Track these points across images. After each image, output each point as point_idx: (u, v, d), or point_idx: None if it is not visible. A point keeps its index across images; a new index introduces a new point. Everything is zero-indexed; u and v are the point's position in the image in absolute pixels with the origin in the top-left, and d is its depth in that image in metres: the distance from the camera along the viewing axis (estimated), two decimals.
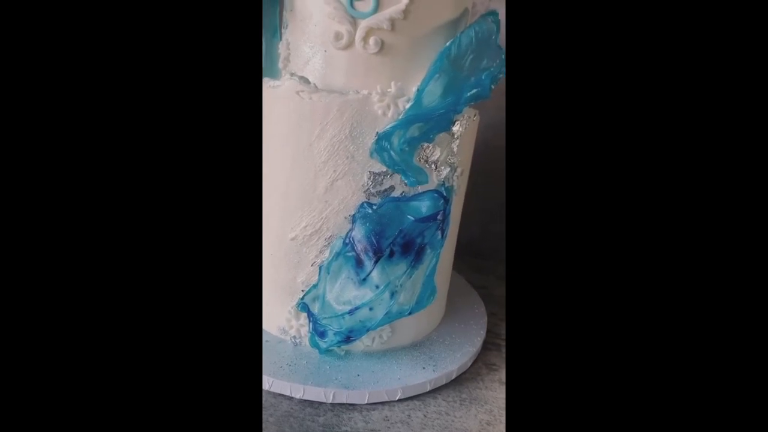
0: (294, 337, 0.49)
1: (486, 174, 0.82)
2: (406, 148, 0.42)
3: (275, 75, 0.50)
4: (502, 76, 0.48)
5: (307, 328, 0.47)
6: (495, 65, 0.46)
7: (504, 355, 0.54)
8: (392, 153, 0.41)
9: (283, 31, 0.49)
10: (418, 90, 0.42)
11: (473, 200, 0.66)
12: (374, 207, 0.43)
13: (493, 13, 0.48)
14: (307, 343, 0.47)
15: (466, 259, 0.74)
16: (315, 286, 0.46)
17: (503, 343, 0.57)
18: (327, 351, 0.46)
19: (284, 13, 0.49)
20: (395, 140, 0.41)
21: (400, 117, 0.41)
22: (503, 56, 0.47)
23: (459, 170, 0.48)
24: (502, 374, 0.51)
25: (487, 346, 0.56)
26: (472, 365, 0.52)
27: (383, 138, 0.41)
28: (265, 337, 0.50)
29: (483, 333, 0.56)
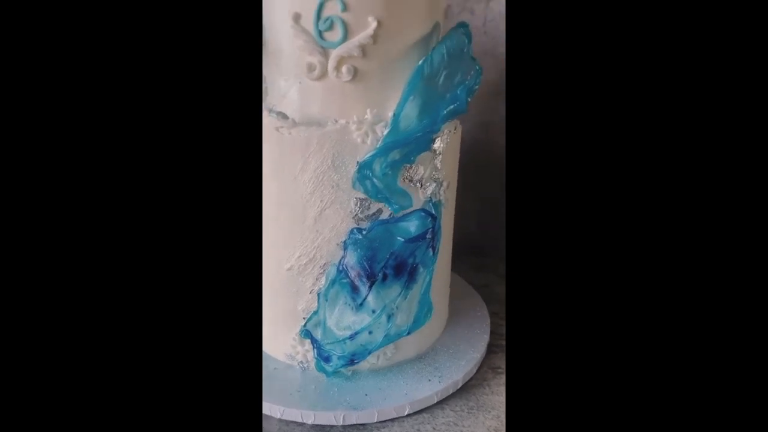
0: (301, 362, 0.50)
1: (478, 169, 0.82)
2: (389, 172, 0.43)
3: None
4: (478, 87, 0.48)
5: (312, 353, 0.49)
6: (470, 78, 0.47)
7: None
8: (375, 180, 0.42)
9: None
10: (394, 115, 0.42)
11: (468, 198, 0.67)
12: (364, 232, 0.44)
13: (464, 25, 0.48)
14: (314, 367, 0.49)
15: (465, 258, 0.74)
16: (315, 312, 0.47)
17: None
18: (334, 373, 0.48)
19: None
20: (377, 167, 0.42)
21: (378, 145, 0.42)
22: (477, 67, 0.48)
23: (445, 184, 0.49)
24: None
25: (491, 348, 0.57)
26: (477, 371, 0.53)
27: (364, 167, 0.41)
28: (273, 365, 0.51)
29: (486, 337, 0.57)
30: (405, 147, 0.42)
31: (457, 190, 0.55)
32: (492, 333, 0.59)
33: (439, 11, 0.49)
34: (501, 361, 0.55)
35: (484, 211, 0.85)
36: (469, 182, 0.62)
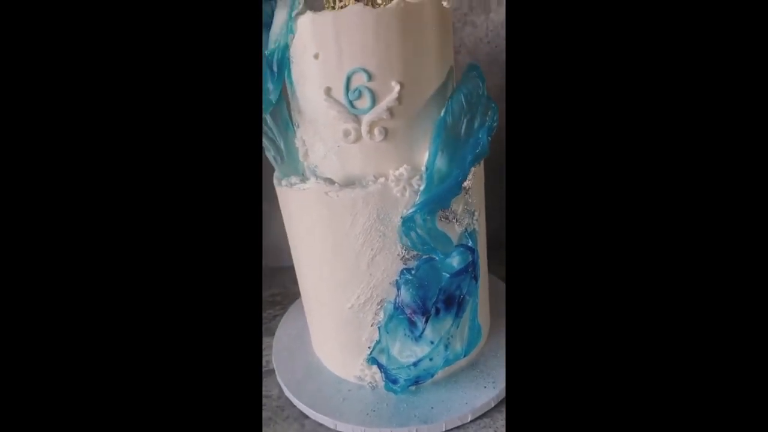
0: (370, 382, 0.57)
1: (497, 169, 0.86)
2: (428, 218, 0.48)
3: (298, 168, 0.57)
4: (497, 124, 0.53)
5: (380, 374, 0.56)
6: (488, 118, 0.51)
7: None
8: (418, 230, 0.47)
9: (295, 128, 0.55)
10: (426, 169, 0.48)
11: (491, 195, 0.71)
12: (413, 271, 0.49)
13: (475, 68, 0.52)
14: (383, 387, 0.56)
15: (496, 253, 0.78)
16: (378, 342, 0.53)
17: None
18: (402, 391, 0.55)
19: (292, 113, 0.55)
20: (418, 218, 0.47)
21: (417, 201, 0.47)
22: (494, 105, 0.52)
23: (477, 213, 0.54)
24: None
25: None
26: None
27: (408, 220, 0.47)
28: (347, 387, 0.59)
29: None
30: (440, 198, 0.47)
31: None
32: None
33: (450, 57, 0.53)
34: None
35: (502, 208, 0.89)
36: (490, 181, 0.65)
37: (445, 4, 0.51)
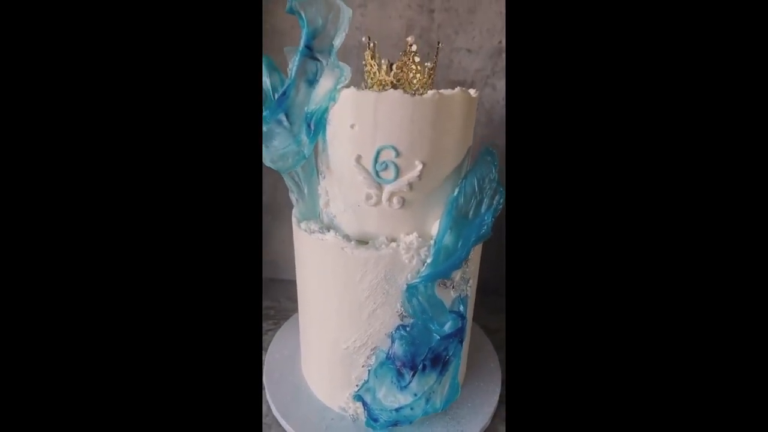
0: (352, 415, 0.63)
1: (496, 221, 0.92)
2: (429, 284, 0.54)
3: (316, 212, 0.62)
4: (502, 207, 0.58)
5: (362, 409, 0.61)
6: (495, 201, 0.57)
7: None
8: (419, 297, 0.53)
9: (320, 178, 0.61)
10: (435, 244, 0.53)
11: (485, 242, 0.77)
12: (408, 328, 0.55)
13: (490, 153, 0.58)
14: (363, 419, 0.62)
15: (481, 299, 0.84)
16: (366, 382, 0.59)
17: None
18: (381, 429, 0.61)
19: (319, 163, 0.60)
20: (421, 287, 0.53)
21: (423, 272, 0.53)
22: (501, 189, 0.58)
23: (471, 281, 0.60)
24: None
25: (502, 399, 0.69)
26: (491, 423, 0.65)
27: (412, 287, 0.53)
28: (330, 415, 0.64)
29: (498, 390, 0.69)
30: (444, 272, 0.53)
31: None
32: (501, 383, 0.71)
33: (470, 138, 0.59)
34: None
35: (500, 252, 0.95)
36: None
37: (472, 92, 0.56)
